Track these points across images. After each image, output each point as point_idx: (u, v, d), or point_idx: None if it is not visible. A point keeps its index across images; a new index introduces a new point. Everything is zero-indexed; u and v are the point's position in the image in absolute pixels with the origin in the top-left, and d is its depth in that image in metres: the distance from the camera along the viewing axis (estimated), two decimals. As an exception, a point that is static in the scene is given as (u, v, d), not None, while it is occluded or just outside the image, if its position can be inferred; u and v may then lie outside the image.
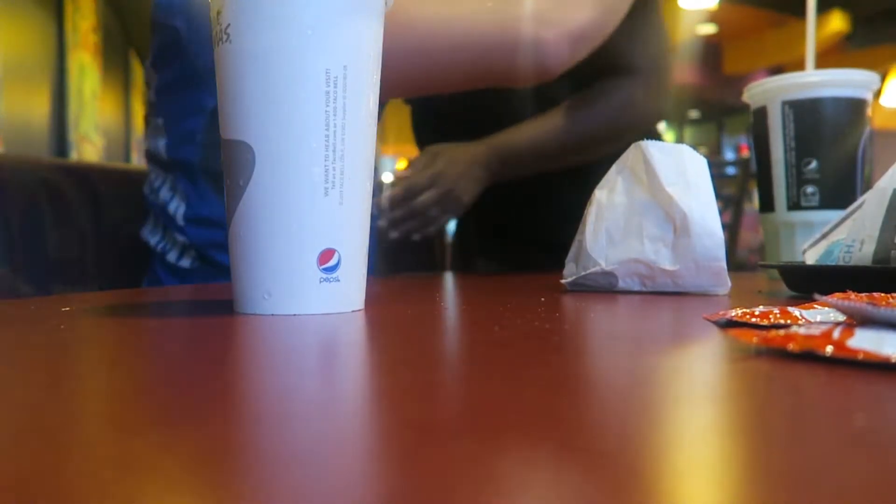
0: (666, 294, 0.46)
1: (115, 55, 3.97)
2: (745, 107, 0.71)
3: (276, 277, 0.34)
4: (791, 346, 0.21)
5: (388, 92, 0.49)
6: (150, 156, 0.78)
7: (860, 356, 0.19)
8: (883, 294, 0.31)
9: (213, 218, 0.73)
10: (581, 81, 0.90)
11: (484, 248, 1.14)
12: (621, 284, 0.48)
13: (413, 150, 1.14)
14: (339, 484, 0.11)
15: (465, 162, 0.83)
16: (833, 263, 0.46)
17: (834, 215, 0.52)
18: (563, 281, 0.51)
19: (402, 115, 1.47)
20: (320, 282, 0.35)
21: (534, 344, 0.27)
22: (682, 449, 0.13)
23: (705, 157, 0.48)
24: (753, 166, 0.73)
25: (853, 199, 0.60)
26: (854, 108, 0.64)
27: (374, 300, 0.41)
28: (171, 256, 0.74)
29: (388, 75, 0.43)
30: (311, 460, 0.12)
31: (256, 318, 0.33)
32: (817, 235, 0.50)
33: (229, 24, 0.34)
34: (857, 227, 0.44)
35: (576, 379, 0.20)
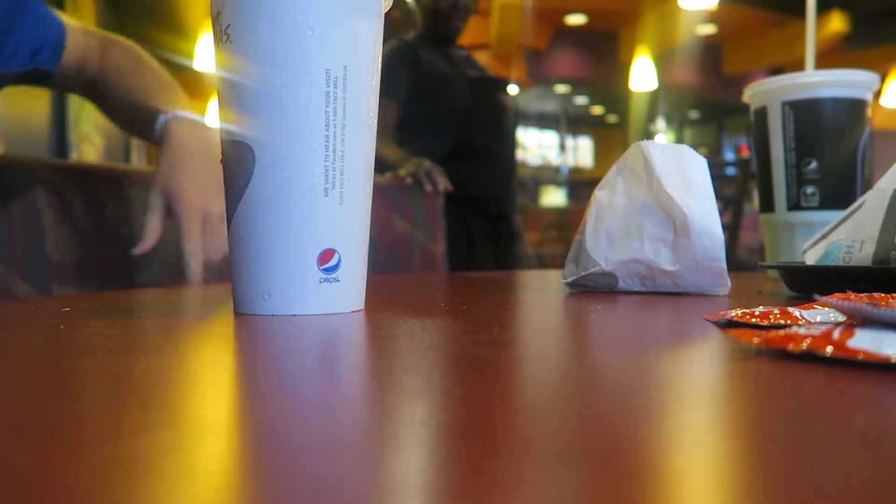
0: (666, 294, 0.46)
1: (115, 55, 3.96)
2: (745, 107, 0.71)
3: (276, 278, 0.34)
4: (791, 347, 0.21)
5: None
6: None
7: (860, 356, 0.19)
8: (883, 294, 0.31)
9: None
10: None
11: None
12: (621, 285, 0.48)
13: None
14: (339, 483, 0.11)
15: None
16: (833, 264, 0.46)
17: (834, 215, 0.52)
18: (563, 281, 0.51)
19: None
20: (320, 282, 0.35)
21: (534, 344, 0.27)
22: (682, 449, 0.13)
23: (705, 157, 0.48)
24: (753, 167, 0.73)
25: (853, 200, 0.60)
26: (854, 109, 0.64)
27: (374, 300, 0.41)
28: None
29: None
30: (310, 460, 0.12)
31: (256, 318, 0.33)
32: (817, 236, 0.50)
33: (229, 25, 0.34)
34: (857, 227, 0.44)
35: (576, 379, 0.20)
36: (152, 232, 0.67)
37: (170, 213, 0.67)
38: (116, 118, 0.77)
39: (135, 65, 0.75)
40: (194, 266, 0.66)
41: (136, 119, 0.73)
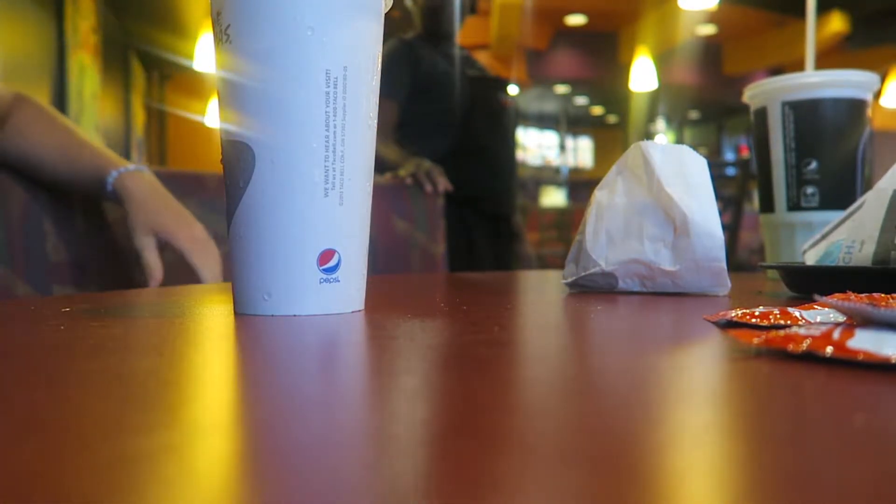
0: (666, 294, 0.46)
1: (115, 55, 3.97)
2: (745, 107, 0.71)
3: (276, 278, 0.34)
4: (791, 347, 0.21)
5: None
6: None
7: (860, 357, 0.19)
8: (883, 294, 0.31)
9: None
10: None
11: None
12: (621, 285, 0.48)
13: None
14: (339, 483, 0.11)
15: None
16: (833, 264, 0.46)
17: (834, 216, 0.52)
18: (563, 281, 0.51)
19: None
20: (320, 282, 0.35)
21: (533, 344, 0.27)
22: (682, 449, 0.13)
23: (705, 157, 0.48)
24: (753, 167, 0.73)
25: (853, 200, 0.60)
26: (854, 109, 0.64)
27: (374, 301, 0.41)
28: None
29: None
30: (310, 460, 0.12)
31: (256, 318, 0.33)
32: (817, 236, 0.50)
33: (229, 25, 0.34)
34: (857, 227, 0.44)
35: (576, 379, 0.20)
36: (155, 267, 0.73)
37: (161, 247, 0.75)
38: (30, 169, 0.77)
39: (51, 121, 0.77)
40: (208, 275, 0.75)
41: (67, 172, 0.76)
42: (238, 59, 0.34)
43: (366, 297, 0.38)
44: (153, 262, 0.73)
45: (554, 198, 8.54)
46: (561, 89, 7.68)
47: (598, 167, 9.09)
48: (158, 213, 0.74)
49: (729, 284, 0.45)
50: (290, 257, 0.34)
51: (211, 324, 0.32)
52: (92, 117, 3.33)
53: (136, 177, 0.75)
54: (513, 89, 1.67)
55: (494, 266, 1.55)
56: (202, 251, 0.75)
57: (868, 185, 0.64)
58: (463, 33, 1.62)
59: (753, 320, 0.28)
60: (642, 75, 5.99)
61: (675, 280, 0.46)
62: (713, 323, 0.29)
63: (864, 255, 0.43)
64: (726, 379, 0.20)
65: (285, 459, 0.12)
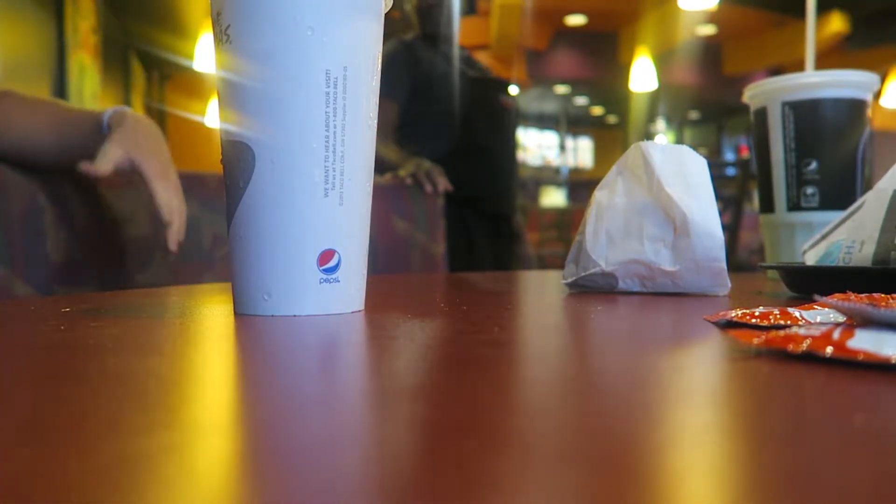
0: (666, 295, 0.46)
1: (115, 55, 3.97)
2: (745, 107, 0.71)
3: (276, 278, 0.34)
4: (791, 347, 0.21)
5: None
6: None
7: (860, 357, 0.19)
8: (883, 295, 0.31)
9: None
10: None
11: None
12: (621, 285, 0.48)
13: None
14: (339, 483, 0.11)
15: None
16: (833, 264, 0.46)
17: (834, 216, 0.52)
18: (563, 282, 0.51)
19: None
20: (320, 282, 0.35)
21: (533, 344, 0.27)
22: (682, 449, 0.13)
23: (705, 157, 0.48)
24: (753, 167, 0.73)
25: (853, 200, 0.60)
26: (854, 109, 0.64)
27: (374, 301, 0.41)
28: None
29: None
30: (310, 460, 0.12)
31: (256, 318, 0.33)
32: (817, 236, 0.50)
33: (229, 25, 0.34)
34: (857, 227, 0.44)
35: (576, 379, 0.20)
36: (111, 160, 0.67)
37: (131, 168, 0.70)
38: (24, 155, 0.76)
39: (33, 102, 0.77)
40: (167, 215, 0.71)
41: (59, 141, 0.75)
42: (238, 59, 0.34)
43: (366, 297, 0.38)
44: (111, 154, 0.67)
45: (554, 198, 8.54)
46: (561, 89, 7.68)
47: (598, 167, 9.09)
48: (143, 144, 0.71)
49: (729, 284, 0.45)
50: (290, 257, 0.34)
51: (211, 324, 0.32)
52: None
53: (133, 113, 0.74)
54: (513, 90, 1.67)
55: (494, 266, 1.55)
56: (173, 191, 0.72)
57: (868, 185, 0.64)
58: (463, 34, 1.62)
59: (753, 320, 0.28)
60: (642, 75, 5.99)
61: (675, 280, 0.46)
62: (713, 323, 0.29)
63: (864, 255, 0.43)
64: (726, 379, 0.20)
65: (285, 459, 0.12)
